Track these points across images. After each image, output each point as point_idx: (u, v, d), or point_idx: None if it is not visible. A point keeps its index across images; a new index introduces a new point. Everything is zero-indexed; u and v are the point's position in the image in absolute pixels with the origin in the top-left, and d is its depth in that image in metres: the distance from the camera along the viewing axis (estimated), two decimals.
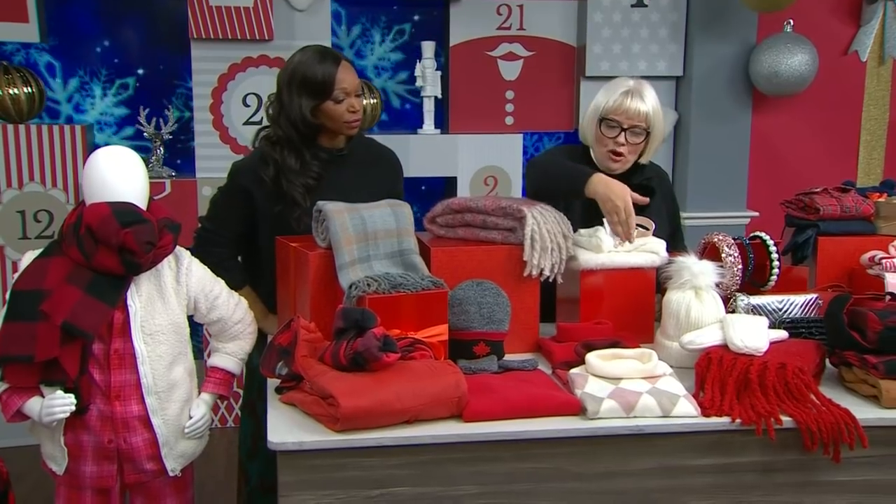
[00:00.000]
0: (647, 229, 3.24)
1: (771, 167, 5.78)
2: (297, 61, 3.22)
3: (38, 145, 5.01)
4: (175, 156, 5.39)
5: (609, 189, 3.07)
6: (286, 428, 2.44)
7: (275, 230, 3.18)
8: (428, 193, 5.67)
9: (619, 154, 3.36)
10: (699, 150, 5.62)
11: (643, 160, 3.47)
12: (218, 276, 2.97)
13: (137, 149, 5.06)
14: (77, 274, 2.63)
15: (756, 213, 5.63)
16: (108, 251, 2.60)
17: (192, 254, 2.93)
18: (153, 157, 5.18)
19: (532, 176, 3.50)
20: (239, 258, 3.37)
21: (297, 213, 3.15)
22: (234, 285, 3.06)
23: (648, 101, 3.34)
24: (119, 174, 2.68)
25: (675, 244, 3.50)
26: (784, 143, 5.81)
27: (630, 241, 3.08)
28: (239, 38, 5.05)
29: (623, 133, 3.33)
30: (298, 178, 3.19)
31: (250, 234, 3.31)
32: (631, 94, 3.34)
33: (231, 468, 4.32)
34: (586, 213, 3.29)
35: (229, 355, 2.97)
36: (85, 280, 2.62)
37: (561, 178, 3.28)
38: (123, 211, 2.61)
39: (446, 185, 5.65)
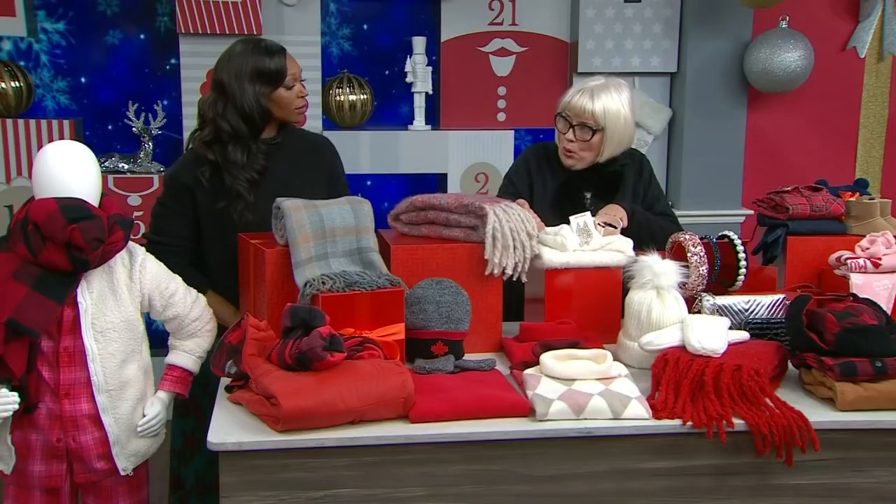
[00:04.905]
0: (615, 227, 3.21)
1: (767, 165, 5.71)
2: (239, 54, 3.21)
3: (27, 140, 5.01)
4: (164, 151, 5.37)
5: None
6: (227, 428, 2.42)
7: (218, 226, 3.20)
8: (418, 191, 5.61)
9: (570, 151, 3.47)
10: (693, 147, 5.54)
11: (600, 159, 3.52)
12: None
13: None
14: (24, 270, 2.60)
15: (751, 212, 5.53)
16: (55, 247, 2.57)
17: None
18: (142, 153, 5.16)
19: None
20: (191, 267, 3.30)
21: (241, 207, 3.15)
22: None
23: (600, 102, 3.42)
24: (69, 170, 2.65)
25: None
26: (781, 141, 5.74)
27: None
28: (227, 32, 5.02)
29: (572, 129, 3.45)
30: (243, 172, 3.18)
31: (197, 237, 3.30)
32: (583, 93, 3.45)
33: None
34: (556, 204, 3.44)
35: (187, 353, 2.94)
36: (32, 277, 2.59)
37: None
38: (71, 206, 2.58)
39: (438, 182, 5.62)
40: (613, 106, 3.42)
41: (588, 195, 3.49)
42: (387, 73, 5.59)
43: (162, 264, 2.89)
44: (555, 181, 3.54)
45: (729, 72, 5.48)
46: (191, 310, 2.92)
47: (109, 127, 5.38)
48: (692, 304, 2.97)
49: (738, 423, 2.48)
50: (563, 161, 3.52)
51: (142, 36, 5.34)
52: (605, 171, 3.53)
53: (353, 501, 2.44)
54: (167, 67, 5.35)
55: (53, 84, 5.30)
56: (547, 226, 3.15)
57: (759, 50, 5.29)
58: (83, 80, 5.33)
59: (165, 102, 5.35)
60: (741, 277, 3.10)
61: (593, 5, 5.42)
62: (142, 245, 2.95)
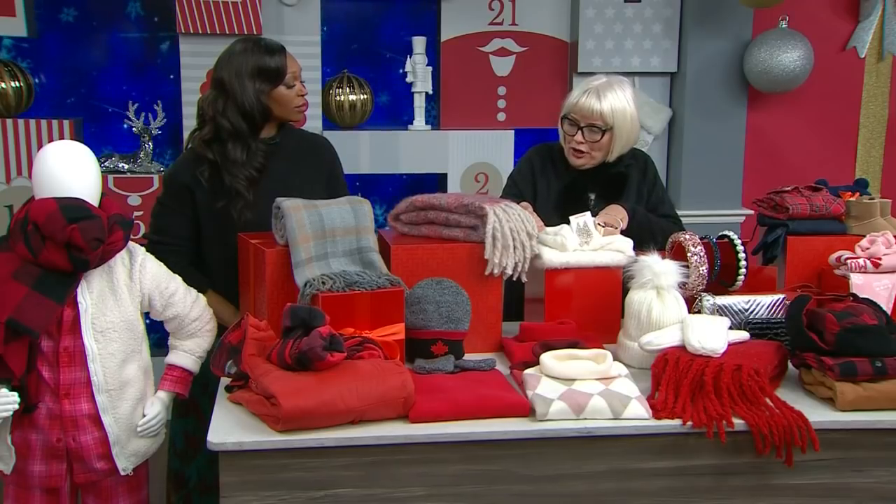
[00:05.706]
0: (615, 227, 3.21)
1: (767, 164, 5.70)
2: (240, 53, 3.23)
3: (27, 140, 5.00)
4: (164, 151, 5.37)
5: None
6: (228, 428, 2.42)
7: (218, 225, 3.21)
8: (418, 191, 5.60)
9: (580, 151, 3.45)
10: (693, 147, 5.53)
11: (610, 158, 3.50)
12: None
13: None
14: (24, 270, 2.60)
15: (751, 212, 5.52)
16: (55, 247, 2.57)
17: None
18: (142, 153, 5.15)
19: None
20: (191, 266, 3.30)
21: (240, 206, 3.16)
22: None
23: (607, 101, 3.40)
24: (69, 170, 2.65)
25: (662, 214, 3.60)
26: (781, 140, 5.73)
27: None
28: (227, 32, 5.01)
29: (581, 131, 3.41)
30: (242, 170, 3.19)
31: (197, 237, 3.31)
32: (589, 93, 3.42)
33: None
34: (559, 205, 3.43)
35: (187, 353, 2.95)
36: (32, 277, 2.59)
37: None
38: (71, 206, 2.58)
39: (438, 182, 5.61)
40: (620, 104, 3.42)
41: (592, 196, 3.49)
42: (387, 73, 5.58)
43: (162, 264, 2.89)
44: (559, 182, 3.54)
45: (729, 72, 5.47)
46: (191, 310, 2.92)
47: (103, 125, 5.35)
48: (692, 304, 2.97)
49: (738, 423, 2.48)
50: (573, 161, 3.50)
51: (142, 33, 5.33)
52: (609, 171, 3.52)
53: (352, 501, 2.44)
54: (167, 66, 5.33)
55: (53, 83, 5.29)
56: (550, 226, 3.14)
57: (758, 50, 5.28)
58: (84, 79, 5.32)
59: (163, 89, 5.33)
60: (741, 277, 3.10)
61: (593, 5, 5.41)
62: (142, 245, 2.95)
